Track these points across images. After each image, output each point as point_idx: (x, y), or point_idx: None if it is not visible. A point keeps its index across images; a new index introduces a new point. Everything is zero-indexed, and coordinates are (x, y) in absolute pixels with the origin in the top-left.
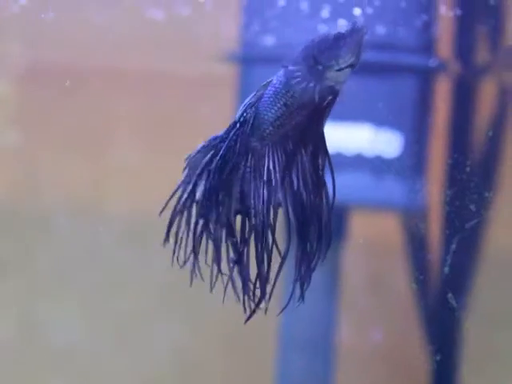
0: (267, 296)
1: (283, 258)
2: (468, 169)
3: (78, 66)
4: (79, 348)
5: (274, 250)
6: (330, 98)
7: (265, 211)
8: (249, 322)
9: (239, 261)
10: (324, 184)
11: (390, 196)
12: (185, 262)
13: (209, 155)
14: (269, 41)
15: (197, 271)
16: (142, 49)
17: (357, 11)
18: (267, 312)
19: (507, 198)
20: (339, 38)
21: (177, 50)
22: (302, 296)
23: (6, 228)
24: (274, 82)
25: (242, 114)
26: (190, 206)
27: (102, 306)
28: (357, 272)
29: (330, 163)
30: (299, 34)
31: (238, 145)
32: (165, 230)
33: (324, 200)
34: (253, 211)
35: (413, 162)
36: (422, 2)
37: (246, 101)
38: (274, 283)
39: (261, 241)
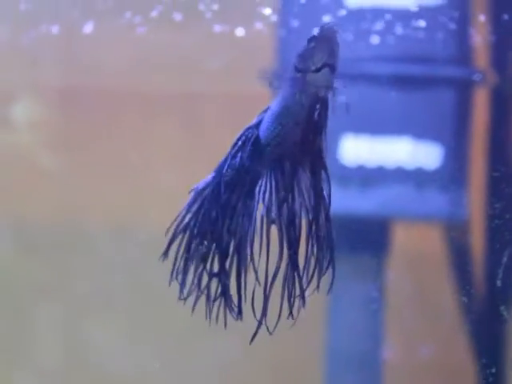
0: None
1: (274, 275)
2: None
3: (116, 90)
4: (126, 369)
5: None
6: (318, 106)
7: (253, 230)
8: (296, 338)
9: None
10: (323, 198)
11: (432, 208)
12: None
13: (211, 177)
14: None
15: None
16: (179, 70)
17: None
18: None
19: None
20: (311, 39)
21: (214, 71)
22: (290, 313)
23: (47, 251)
24: (272, 104)
25: (241, 137)
26: (189, 228)
27: (145, 326)
28: (401, 285)
29: (327, 178)
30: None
31: (238, 165)
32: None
33: (323, 214)
34: (242, 230)
35: (454, 173)
36: (458, 14)
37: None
38: (267, 299)
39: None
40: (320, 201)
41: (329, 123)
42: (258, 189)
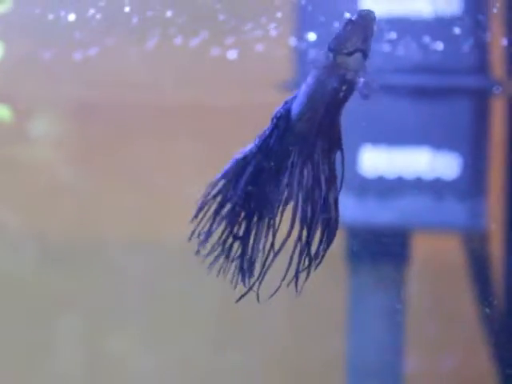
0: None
1: (281, 245)
2: None
3: (132, 104)
4: (145, 379)
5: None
6: (344, 88)
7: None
8: (315, 349)
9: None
10: (335, 178)
11: (451, 218)
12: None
13: (249, 148)
14: None
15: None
16: (195, 82)
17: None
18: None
19: None
20: (348, 23)
21: (230, 82)
22: (296, 286)
23: (67, 263)
24: (307, 79)
25: (279, 111)
26: (220, 194)
27: (163, 336)
28: (421, 296)
29: (342, 158)
30: None
31: (273, 140)
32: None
33: (333, 194)
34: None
35: (472, 183)
36: (475, 25)
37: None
38: (265, 270)
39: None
40: (332, 181)
41: (348, 134)
42: (287, 163)
